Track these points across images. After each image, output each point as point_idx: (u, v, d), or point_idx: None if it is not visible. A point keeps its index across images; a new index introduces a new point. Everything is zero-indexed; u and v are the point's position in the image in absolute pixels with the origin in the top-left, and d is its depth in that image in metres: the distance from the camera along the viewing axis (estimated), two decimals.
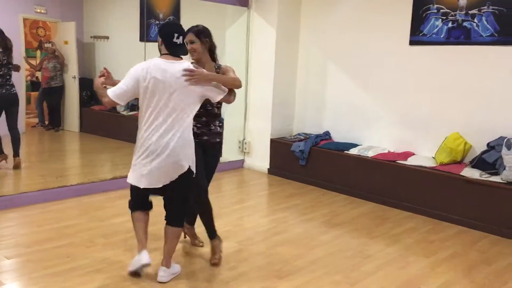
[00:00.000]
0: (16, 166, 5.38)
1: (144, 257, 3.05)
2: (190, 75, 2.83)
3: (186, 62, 2.94)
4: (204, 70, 2.97)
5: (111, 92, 2.92)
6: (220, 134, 3.37)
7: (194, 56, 3.18)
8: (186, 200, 3.10)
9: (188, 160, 2.94)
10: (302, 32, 6.20)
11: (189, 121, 2.94)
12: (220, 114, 3.36)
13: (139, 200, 3.15)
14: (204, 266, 3.33)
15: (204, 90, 2.92)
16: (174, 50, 2.93)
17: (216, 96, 2.99)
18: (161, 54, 2.97)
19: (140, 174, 2.95)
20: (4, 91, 5.22)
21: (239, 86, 3.12)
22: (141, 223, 3.14)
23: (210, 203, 3.35)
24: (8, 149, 5.49)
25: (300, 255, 3.60)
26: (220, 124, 3.36)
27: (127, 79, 2.92)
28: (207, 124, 3.24)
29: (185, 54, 3.02)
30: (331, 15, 5.85)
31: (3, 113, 5.31)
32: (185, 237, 3.71)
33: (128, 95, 2.93)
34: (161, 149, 2.86)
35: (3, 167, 5.44)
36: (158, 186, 2.94)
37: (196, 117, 3.10)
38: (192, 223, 3.67)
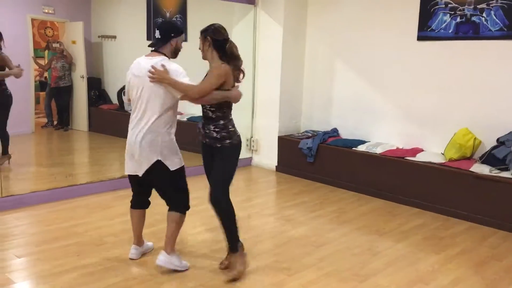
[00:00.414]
0: None
1: (131, 251, 3.38)
2: (151, 74, 2.94)
3: (158, 59, 3.00)
4: (167, 71, 2.93)
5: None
6: (217, 139, 3.08)
7: (202, 54, 3.19)
8: (176, 190, 3.18)
9: (157, 153, 3.03)
10: (308, 29, 6.17)
11: (160, 115, 3.00)
12: (215, 118, 3.09)
13: (136, 197, 3.37)
14: (212, 263, 3.33)
15: (165, 86, 2.98)
16: (152, 45, 3.11)
17: (176, 93, 2.99)
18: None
19: (126, 161, 3.20)
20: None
21: (191, 96, 2.97)
22: (134, 219, 3.38)
23: (225, 208, 3.09)
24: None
25: (308, 253, 3.59)
26: (217, 129, 3.08)
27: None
28: (203, 127, 3.17)
29: (159, 47, 3.08)
30: (338, 11, 5.82)
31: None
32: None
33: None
34: (134, 139, 3.05)
35: (12, 167, 5.47)
36: (138, 174, 3.11)
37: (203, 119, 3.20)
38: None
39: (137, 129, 3.04)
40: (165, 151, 3.05)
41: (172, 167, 3.09)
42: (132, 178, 3.28)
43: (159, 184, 3.21)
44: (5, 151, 5.39)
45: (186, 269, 3.22)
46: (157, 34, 3.07)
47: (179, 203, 3.20)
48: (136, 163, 3.10)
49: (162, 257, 3.15)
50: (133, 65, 3.11)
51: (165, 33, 3.08)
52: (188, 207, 3.24)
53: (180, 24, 3.17)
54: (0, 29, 5.27)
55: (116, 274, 3.12)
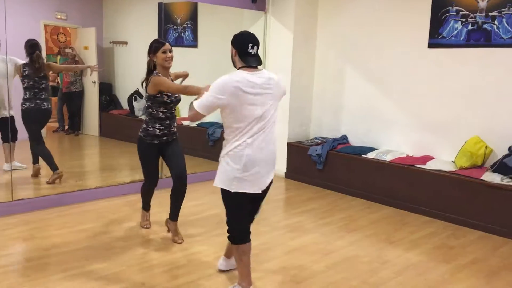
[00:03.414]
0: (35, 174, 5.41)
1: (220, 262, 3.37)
2: None
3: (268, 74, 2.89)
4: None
5: None
6: (175, 133, 3.87)
7: None
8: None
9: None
10: (319, 35, 6.18)
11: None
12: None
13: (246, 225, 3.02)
14: (218, 271, 3.32)
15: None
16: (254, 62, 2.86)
17: None
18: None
19: (251, 180, 2.84)
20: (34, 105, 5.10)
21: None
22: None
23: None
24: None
25: (316, 260, 3.57)
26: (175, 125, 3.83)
27: None
28: (172, 127, 3.80)
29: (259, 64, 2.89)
30: (348, 18, 5.82)
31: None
32: (168, 231, 3.91)
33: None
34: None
35: (23, 171, 5.51)
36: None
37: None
38: (175, 218, 3.88)
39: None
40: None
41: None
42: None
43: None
44: (53, 168, 5.19)
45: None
46: (255, 50, 2.88)
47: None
48: (265, 177, 2.89)
49: (222, 262, 3.33)
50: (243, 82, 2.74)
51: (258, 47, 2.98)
52: None
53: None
54: (14, 35, 5.33)
55: (124, 279, 3.13)
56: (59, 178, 5.20)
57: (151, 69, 3.66)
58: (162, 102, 3.63)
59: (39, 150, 5.23)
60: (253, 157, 2.76)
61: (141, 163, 3.87)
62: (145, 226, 4.12)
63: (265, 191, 2.93)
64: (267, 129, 2.84)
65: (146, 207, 4.15)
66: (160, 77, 3.57)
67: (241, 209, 2.87)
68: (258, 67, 2.86)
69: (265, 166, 2.85)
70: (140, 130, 3.76)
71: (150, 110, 3.68)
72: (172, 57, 3.64)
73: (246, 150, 2.74)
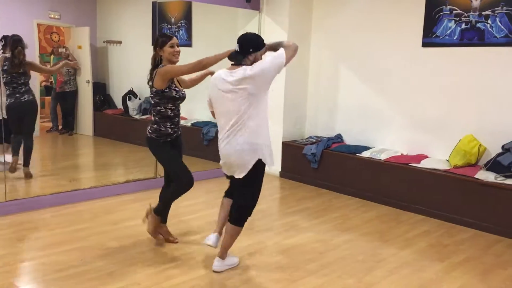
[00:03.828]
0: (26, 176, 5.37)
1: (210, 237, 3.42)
2: None
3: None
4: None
5: None
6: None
7: None
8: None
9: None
10: (313, 34, 6.18)
11: None
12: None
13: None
14: (212, 271, 3.32)
15: None
16: (231, 58, 3.13)
17: None
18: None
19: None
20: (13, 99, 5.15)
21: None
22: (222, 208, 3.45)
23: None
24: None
25: (311, 259, 3.58)
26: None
27: None
28: (179, 126, 3.68)
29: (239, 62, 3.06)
30: (343, 17, 5.83)
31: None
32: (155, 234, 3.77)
33: None
34: None
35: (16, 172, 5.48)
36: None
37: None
38: (164, 221, 3.81)
39: None
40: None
41: None
42: None
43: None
44: (26, 163, 5.30)
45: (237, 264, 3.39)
46: (237, 47, 3.05)
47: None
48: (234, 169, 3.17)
49: (217, 263, 3.30)
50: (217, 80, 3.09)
51: (244, 47, 3.05)
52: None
53: (260, 38, 3.15)
54: (6, 34, 5.30)
55: (119, 279, 3.12)
56: (25, 176, 5.26)
57: (158, 63, 3.49)
58: (171, 97, 3.44)
59: (15, 140, 5.25)
60: (223, 152, 3.11)
61: (165, 164, 3.65)
62: (159, 238, 3.76)
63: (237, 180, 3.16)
64: (239, 125, 3.02)
65: (165, 217, 3.82)
66: (167, 65, 3.40)
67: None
68: (242, 65, 3.03)
69: (231, 161, 3.11)
70: (150, 131, 3.54)
71: (159, 108, 3.48)
72: (179, 52, 3.48)
73: (221, 145, 3.12)
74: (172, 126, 3.53)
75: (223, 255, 3.30)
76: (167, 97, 3.43)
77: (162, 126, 3.51)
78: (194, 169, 5.84)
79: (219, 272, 3.28)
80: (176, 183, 3.56)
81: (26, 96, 5.19)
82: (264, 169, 3.19)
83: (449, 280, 3.32)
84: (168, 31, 7.58)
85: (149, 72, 3.53)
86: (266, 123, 3.12)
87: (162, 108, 3.47)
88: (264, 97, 3.08)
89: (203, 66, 3.25)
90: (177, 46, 3.48)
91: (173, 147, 3.60)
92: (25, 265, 3.31)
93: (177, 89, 3.48)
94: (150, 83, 3.51)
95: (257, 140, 3.07)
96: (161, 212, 3.68)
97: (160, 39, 3.50)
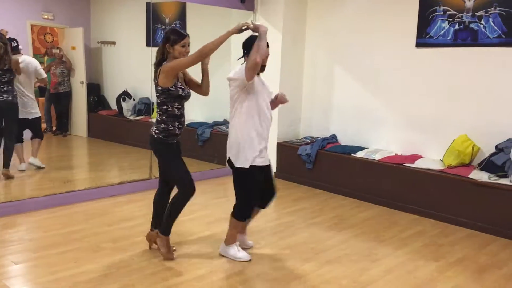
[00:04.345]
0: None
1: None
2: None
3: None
4: None
5: None
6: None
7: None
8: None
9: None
10: (308, 35, 6.19)
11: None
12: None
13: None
14: (209, 272, 3.32)
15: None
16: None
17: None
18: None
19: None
20: None
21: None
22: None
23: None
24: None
25: (307, 259, 3.58)
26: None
27: None
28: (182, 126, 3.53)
29: None
30: (337, 18, 5.84)
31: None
32: (151, 247, 3.63)
33: None
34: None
35: (13, 173, 5.44)
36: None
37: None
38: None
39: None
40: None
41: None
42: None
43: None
44: (6, 164, 5.25)
45: (245, 260, 3.47)
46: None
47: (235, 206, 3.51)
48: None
49: (221, 246, 3.54)
50: None
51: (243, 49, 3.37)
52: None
53: (251, 39, 3.31)
54: None
55: (113, 281, 3.11)
56: (5, 177, 5.25)
57: (163, 59, 3.27)
58: (177, 96, 3.27)
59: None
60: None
61: (172, 168, 3.41)
62: (173, 256, 3.51)
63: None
64: (231, 114, 3.36)
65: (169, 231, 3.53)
66: (171, 62, 3.21)
67: None
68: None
69: None
70: (156, 131, 3.32)
71: (165, 107, 3.29)
72: (189, 53, 3.28)
73: None
74: (179, 126, 3.37)
75: (224, 241, 3.54)
76: (173, 95, 3.27)
77: (170, 126, 3.32)
78: (189, 170, 5.87)
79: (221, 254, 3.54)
80: (183, 191, 3.37)
81: (5, 96, 5.09)
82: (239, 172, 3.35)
83: (443, 279, 3.33)
84: (162, 31, 7.56)
85: (154, 68, 3.34)
86: (245, 129, 3.29)
87: (169, 107, 3.30)
88: (244, 103, 3.25)
89: (206, 54, 3.18)
90: (188, 46, 3.29)
91: (178, 149, 3.46)
92: (20, 267, 3.29)
93: (182, 87, 3.32)
94: (155, 81, 3.31)
95: (231, 138, 3.36)
96: (168, 229, 3.44)
97: (172, 36, 3.24)
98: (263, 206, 3.59)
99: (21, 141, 5.56)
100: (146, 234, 3.64)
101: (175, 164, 3.39)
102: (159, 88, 3.26)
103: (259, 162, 3.30)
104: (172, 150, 3.38)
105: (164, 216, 3.44)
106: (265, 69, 3.40)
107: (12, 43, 5.32)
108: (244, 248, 3.60)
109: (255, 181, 3.34)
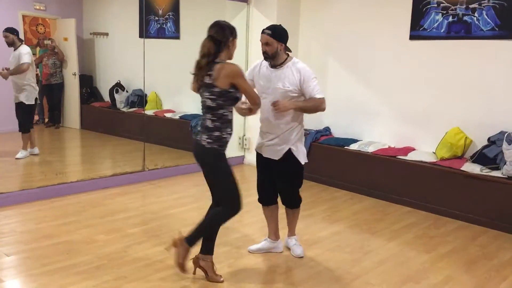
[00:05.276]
0: None
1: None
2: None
3: None
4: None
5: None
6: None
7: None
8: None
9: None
10: (301, 27, 6.17)
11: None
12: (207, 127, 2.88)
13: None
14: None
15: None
16: None
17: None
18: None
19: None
20: None
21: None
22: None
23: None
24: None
25: None
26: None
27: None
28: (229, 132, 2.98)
29: None
30: (331, 10, 5.82)
31: None
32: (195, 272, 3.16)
33: None
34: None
35: (2, 164, 5.42)
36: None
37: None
38: (210, 252, 3.13)
39: None
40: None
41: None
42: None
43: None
44: None
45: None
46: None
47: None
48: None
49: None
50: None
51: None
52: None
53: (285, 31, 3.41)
54: None
55: (106, 273, 3.10)
56: None
57: (218, 52, 2.79)
58: (235, 98, 2.84)
59: None
60: None
61: (225, 182, 2.94)
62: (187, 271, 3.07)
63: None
64: None
65: (212, 247, 3.10)
66: (237, 67, 2.79)
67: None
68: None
69: None
70: (209, 140, 2.82)
71: (222, 111, 2.82)
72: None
73: None
74: (231, 132, 2.92)
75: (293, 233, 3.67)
76: (232, 98, 2.82)
77: (224, 133, 2.85)
78: (182, 162, 5.87)
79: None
80: (230, 206, 2.96)
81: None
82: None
83: (435, 270, 3.35)
84: (156, 23, 7.52)
85: (201, 63, 2.80)
86: (302, 127, 3.49)
87: (226, 111, 2.84)
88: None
89: (257, 106, 2.97)
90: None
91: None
92: (12, 259, 3.28)
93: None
94: (208, 80, 2.78)
95: (293, 132, 3.42)
96: (195, 241, 2.99)
97: (235, 29, 2.89)
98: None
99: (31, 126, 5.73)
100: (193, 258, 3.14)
101: (228, 178, 2.92)
102: (217, 89, 2.76)
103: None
104: (226, 161, 2.92)
105: (196, 226, 3.01)
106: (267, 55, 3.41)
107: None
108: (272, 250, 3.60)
109: None
